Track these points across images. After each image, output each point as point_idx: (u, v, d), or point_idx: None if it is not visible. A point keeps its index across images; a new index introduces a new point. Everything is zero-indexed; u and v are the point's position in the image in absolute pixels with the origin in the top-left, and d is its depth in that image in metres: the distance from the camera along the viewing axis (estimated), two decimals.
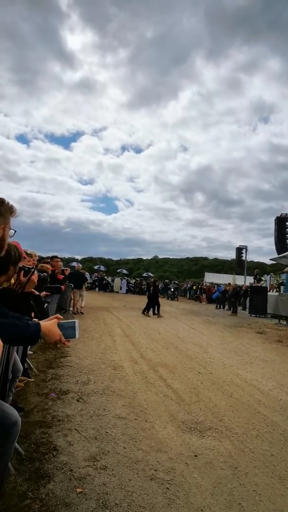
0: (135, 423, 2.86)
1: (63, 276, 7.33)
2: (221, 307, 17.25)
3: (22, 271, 2.52)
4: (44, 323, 1.34)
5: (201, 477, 2.14)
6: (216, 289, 20.32)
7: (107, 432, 2.61)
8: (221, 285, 20.69)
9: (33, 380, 3.53)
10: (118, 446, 2.41)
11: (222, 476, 2.18)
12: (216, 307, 17.61)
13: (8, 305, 1.63)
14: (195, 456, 2.41)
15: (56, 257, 7.40)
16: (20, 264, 2.47)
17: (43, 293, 3.85)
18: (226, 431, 2.89)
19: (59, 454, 2.19)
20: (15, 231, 1.50)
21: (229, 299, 15.75)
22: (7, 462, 1.45)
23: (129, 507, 1.76)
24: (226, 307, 16.54)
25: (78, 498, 1.77)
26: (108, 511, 1.70)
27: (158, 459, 2.30)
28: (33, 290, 2.82)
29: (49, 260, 6.61)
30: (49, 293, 4.20)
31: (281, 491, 2.07)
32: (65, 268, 8.20)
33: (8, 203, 1.36)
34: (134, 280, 29.89)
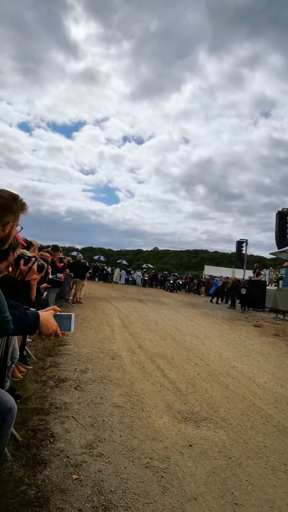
0: (132, 412, 2.90)
1: (62, 264, 7.31)
2: (220, 300, 16.57)
3: (22, 260, 2.50)
4: (41, 314, 1.33)
5: (195, 466, 2.18)
6: (213, 282, 19.46)
7: (103, 420, 2.64)
8: (217, 278, 19.41)
9: (31, 367, 3.56)
10: (114, 434, 2.44)
11: (216, 465, 2.22)
12: (211, 300, 16.69)
13: (8, 293, 1.62)
14: (190, 445, 2.45)
15: (58, 248, 7.36)
16: (19, 252, 2.45)
17: (43, 285, 3.84)
18: (221, 422, 2.93)
19: (56, 441, 2.22)
20: (22, 228, 1.49)
21: (228, 292, 15.77)
22: (2, 448, 1.46)
23: (124, 494, 1.79)
24: (226, 301, 16.35)
25: (74, 485, 1.79)
26: (103, 497, 1.73)
27: (154, 448, 2.34)
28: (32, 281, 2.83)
29: (50, 249, 6.58)
30: (49, 286, 4.18)
31: (273, 482, 2.11)
32: (64, 257, 8.17)
33: (21, 200, 1.35)
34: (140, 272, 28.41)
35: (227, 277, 20.12)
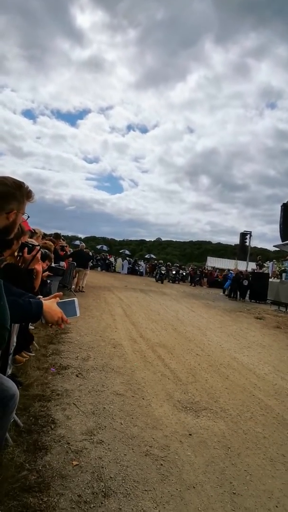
0: (132, 400, 2.92)
1: (64, 252, 7.32)
2: (235, 295, 14.55)
3: (26, 248, 2.49)
4: (44, 302, 1.32)
5: (194, 455, 2.19)
6: (228, 276, 16.07)
7: (104, 408, 2.67)
8: (231, 271, 16.75)
9: (33, 354, 3.59)
10: (114, 422, 2.47)
11: (215, 455, 2.24)
12: (230, 295, 14.81)
13: (12, 281, 1.60)
14: (190, 434, 2.47)
15: (59, 236, 7.36)
16: (23, 240, 2.43)
17: (45, 274, 3.83)
18: (221, 412, 2.94)
19: (57, 427, 2.24)
20: (28, 216, 1.48)
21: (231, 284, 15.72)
22: (4, 434, 1.47)
23: (123, 481, 1.81)
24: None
25: (74, 471, 1.82)
26: (103, 484, 1.75)
27: (153, 436, 2.36)
28: (37, 269, 2.83)
29: (52, 237, 6.57)
30: (51, 274, 4.18)
31: (272, 473, 2.12)
32: (66, 245, 8.19)
33: (26, 187, 1.33)
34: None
35: (228, 270, 20.03)
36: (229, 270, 17.35)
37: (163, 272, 19.81)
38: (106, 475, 1.83)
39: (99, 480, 1.78)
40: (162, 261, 24.96)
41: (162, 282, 18.54)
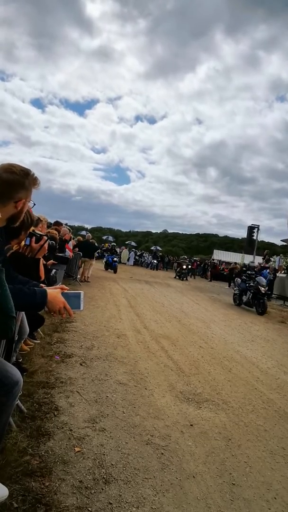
0: (135, 389, 2.95)
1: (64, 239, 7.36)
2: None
3: (34, 237, 2.49)
4: (49, 291, 1.33)
5: (195, 446, 2.22)
6: (263, 273, 13.09)
7: (107, 396, 2.70)
8: (267, 271, 13.85)
9: (38, 341, 3.64)
10: (117, 410, 2.50)
11: (215, 446, 2.26)
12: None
13: (18, 269, 1.61)
14: (191, 425, 2.49)
15: (60, 224, 7.37)
16: (31, 230, 2.44)
17: (50, 262, 3.85)
18: (222, 404, 2.96)
19: (60, 414, 2.28)
20: (34, 204, 1.49)
21: (235, 278, 15.63)
22: (7, 420, 1.49)
23: (124, 469, 1.84)
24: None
25: (76, 457, 1.85)
26: (104, 471, 1.78)
27: (155, 426, 2.38)
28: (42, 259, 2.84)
29: (52, 225, 6.59)
30: (55, 262, 4.20)
31: (271, 465, 2.14)
32: (69, 232, 8.25)
33: (33, 174, 1.33)
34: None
35: (235, 263, 19.85)
36: (263, 266, 15.01)
37: (264, 287, 9.04)
38: (107, 462, 1.86)
39: (101, 466, 1.81)
40: (254, 263, 13.24)
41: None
